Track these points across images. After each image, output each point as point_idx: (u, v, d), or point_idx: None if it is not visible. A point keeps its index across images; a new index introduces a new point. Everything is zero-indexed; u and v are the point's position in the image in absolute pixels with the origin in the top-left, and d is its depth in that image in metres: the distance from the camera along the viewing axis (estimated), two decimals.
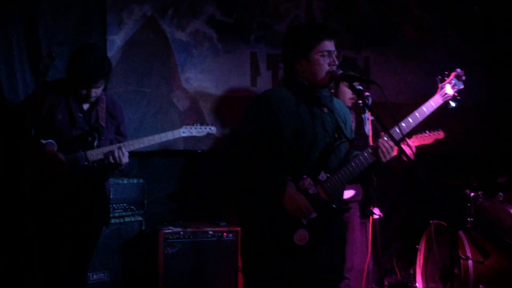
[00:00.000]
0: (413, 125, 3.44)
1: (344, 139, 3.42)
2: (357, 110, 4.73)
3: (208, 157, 5.70)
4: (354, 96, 4.57)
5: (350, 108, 4.67)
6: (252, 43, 5.96)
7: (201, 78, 5.78)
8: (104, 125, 4.12)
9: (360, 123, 4.70)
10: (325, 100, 3.42)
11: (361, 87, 3.53)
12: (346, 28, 6.24)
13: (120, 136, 4.31)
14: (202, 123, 4.59)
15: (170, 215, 5.58)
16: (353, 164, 3.36)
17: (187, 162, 5.78)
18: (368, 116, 4.48)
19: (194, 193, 5.73)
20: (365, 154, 3.37)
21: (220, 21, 5.87)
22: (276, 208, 3.22)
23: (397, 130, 3.37)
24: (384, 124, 3.15)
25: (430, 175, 4.73)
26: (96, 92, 4.03)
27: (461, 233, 4.62)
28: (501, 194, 4.75)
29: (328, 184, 3.32)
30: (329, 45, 3.35)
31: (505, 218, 4.67)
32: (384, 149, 3.36)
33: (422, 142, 4.87)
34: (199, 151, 5.70)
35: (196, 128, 4.52)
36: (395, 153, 4.54)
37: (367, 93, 4.04)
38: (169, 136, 4.35)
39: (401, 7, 6.42)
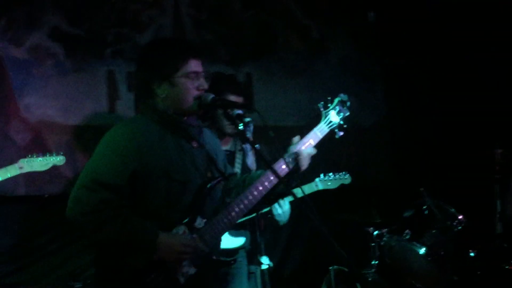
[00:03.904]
0: None
1: (219, 178, 3.41)
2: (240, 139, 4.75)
3: (57, 202, 5.53)
4: None
5: (231, 136, 4.69)
6: (108, 59, 5.93)
7: (45, 104, 5.66)
8: None
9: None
10: (193, 132, 3.40)
11: (240, 112, 3.53)
12: (221, 39, 6.37)
13: None
14: (45, 153, 4.33)
15: (7, 279, 5.37)
16: (240, 205, 3.36)
17: (31, 210, 5.60)
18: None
19: (40, 249, 5.56)
20: (260, 186, 3.37)
21: (67, 33, 5.80)
22: (146, 265, 3.15)
23: (283, 166, 3.45)
24: (266, 159, 3.18)
25: (326, 212, 4.86)
26: None
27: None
28: (408, 231, 4.91)
29: (206, 231, 3.30)
30: (197, 66, 3.37)
31: (413, 259, 4.83)
32: (305, 155, 3.44)
33: (326, 187, 4.97)
34: (46, 196, 5.55)
35: (39, 160, 4.24)
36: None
37: (247, 119, 4.06)
38: (2, 175, 4.07)
39: (284, 13, 6.63)
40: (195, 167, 3.38)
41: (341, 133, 3.64)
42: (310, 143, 3.55)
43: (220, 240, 3.52)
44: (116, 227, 3.15)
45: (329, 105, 3.66)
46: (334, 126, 3.63)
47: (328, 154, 5.05)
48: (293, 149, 3.49)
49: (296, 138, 3.52)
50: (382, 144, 6.74)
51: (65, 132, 5.68)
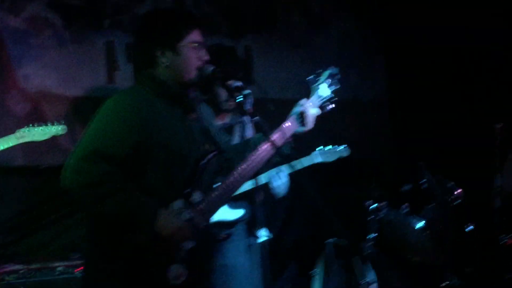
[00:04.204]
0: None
1: (216, 151, 3.38)
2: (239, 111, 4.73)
3: (55, 173, 5.50)
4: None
5: (228, 112, 4.66)
6: (107, 31, 5.88)
7: (44, 75, 5.63)
8: None
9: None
10: (192, 104, 3.38)
11: (239, 84, 3.51)
12: (221, 11, 6.30)
13: None
14: (47, 122, 4.29)
15: (7, 249, 5.35)
16: (235, 175, 3.34)
17: (28, 181, 5.60)
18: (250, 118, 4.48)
19: (38, 220, 5.55)
20: (260, 152, 3.36)
21: (65, 4, 5.75)
22: (144, 240, 3.08)
23: (289, 123, 3.47)
24: (266, 131, 3.16)
25: (324, 185, 4.85)
26: None
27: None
28: (406, 205, 4.92)
29: (205, 205, 3.27)
30: (200, 36, 3.34)
31: (411, 233, 4.84)
32: (310, 114, 3.45)
33: (324, 160, 4.95)
34: (43, 167, 5.53)
35: (39, 129, 4.19)
36: None
37: (247, 91, 4.03)
38: (4, 143, 4.02)
39: None
40: (194, 140, 3.35)
41: (331, 107, 3.62)
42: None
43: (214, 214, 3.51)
44: (118, 202, 3.05)
45: (320, 78, 3.63)
46: (325, 99, 3.60)
47: (326, 127, 5.05)
48: (299, 108, 3.49)
49: (303, 100, 3.52)
50: (381, 118, 6.74)
51: (64, 103, 5.64)
